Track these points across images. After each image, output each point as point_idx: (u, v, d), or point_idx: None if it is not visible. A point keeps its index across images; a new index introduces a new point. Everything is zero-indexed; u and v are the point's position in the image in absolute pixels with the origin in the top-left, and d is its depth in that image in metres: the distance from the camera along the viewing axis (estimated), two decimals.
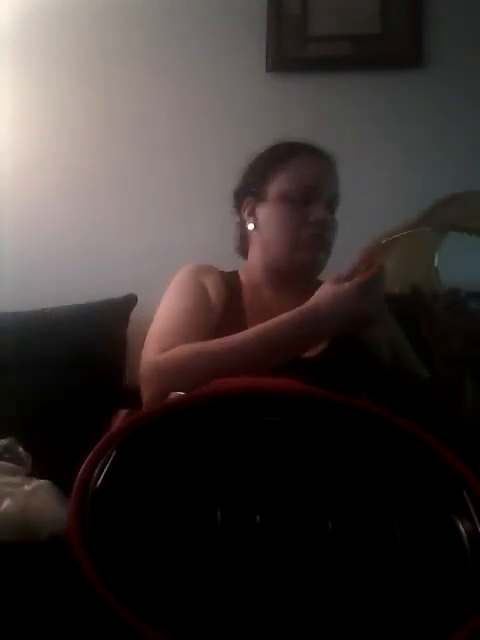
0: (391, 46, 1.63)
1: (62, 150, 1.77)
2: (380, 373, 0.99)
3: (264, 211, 1.10)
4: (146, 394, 0.93)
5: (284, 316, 0.90)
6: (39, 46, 1.81)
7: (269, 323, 0.90)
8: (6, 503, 0.62)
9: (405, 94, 1.62)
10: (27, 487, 0.66)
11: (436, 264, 0.91)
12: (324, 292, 0.90)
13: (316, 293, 0.91)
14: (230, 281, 1.13)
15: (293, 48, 1.66)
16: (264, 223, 1.10)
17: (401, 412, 0.63)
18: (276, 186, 1.08)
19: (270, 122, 1.62)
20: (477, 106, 1.59)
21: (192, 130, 1.71)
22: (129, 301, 1.51)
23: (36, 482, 0.67)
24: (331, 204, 1.09)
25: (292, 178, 1.07)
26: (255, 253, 1.15)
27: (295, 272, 1.09)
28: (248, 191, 1.14)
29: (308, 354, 0.98)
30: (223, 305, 1.07)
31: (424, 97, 1.62)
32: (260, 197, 1.11)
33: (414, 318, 0.94)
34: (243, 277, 1.16)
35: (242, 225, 1.18)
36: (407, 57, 1.63)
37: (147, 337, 1.02)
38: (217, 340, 0.92)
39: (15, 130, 1.80)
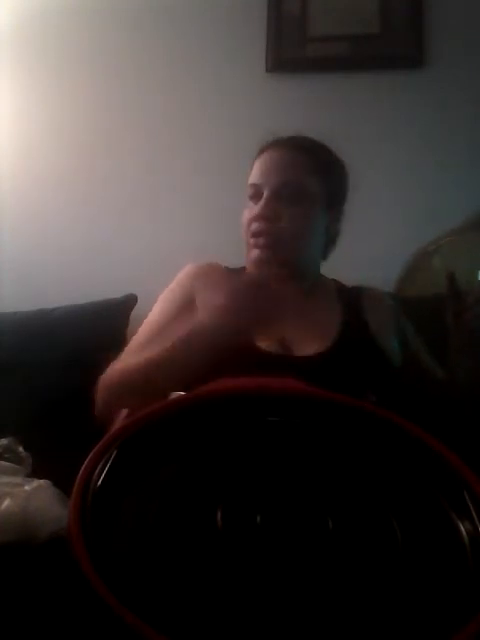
0: (391, 46, 1.63)
1: (62, 150, 1.78)
2: (387, 372, 0.99)
3: None
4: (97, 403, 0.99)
5: (183, 333, 0.91)
6: (39, 46, 1.81)
7: (174, 340, 0.92)
8: (6, 503, 0.62)
9: (405, 94, 1.63)
10: (27, 487, 0.65)
11: None
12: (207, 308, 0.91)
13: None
14: (232, 279, 1.13)
15: (293, 48, 1.66)
16: None
17: (406, 412, 0.63)
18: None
19: (270, 122, 1.61)
20: (477, 106, 1.59)
21: (192, 130, 1.71)
22: (129, 301, 1.51)
23: (36, 482, 0.67)
24: (283, 194, 1.03)
25: (251, 176, 1.08)
26: None
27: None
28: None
29: (309, 353, 0.98)
30: None
31: (424, 97, 1.62)
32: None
33: (430, 320, 0.94)
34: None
35: None
36: (407, 57, 1.63)
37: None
38: (140, 356, 0.96)
39: (15, 130, 1.80)
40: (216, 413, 0.60)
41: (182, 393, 0.67)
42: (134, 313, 1.51)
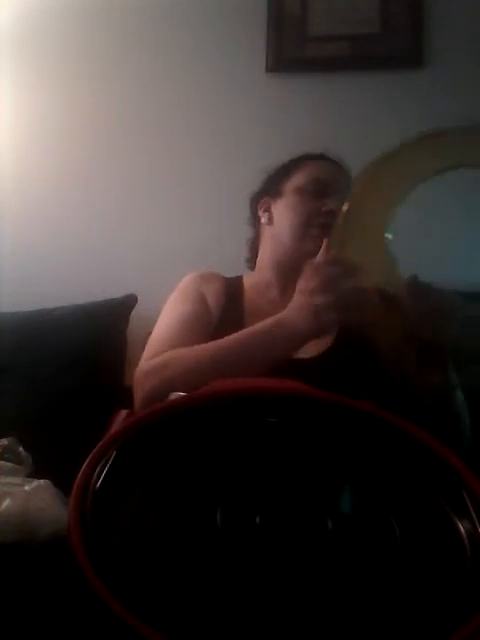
0: (391, 46, 1.63)
1: (62, 150, 1.78)
2: (383, 374, 0.99)
3: (278, 204, 1.13)
4: (136, 399, 0.94)
5: (261, 323, 0.88)
6: (39, 46, 1.81)
7: (247, 330, 0.89)
8: (6, 503, 0.62)
9: (405, 94, 1.63)
10: (27, 487, 0.66)
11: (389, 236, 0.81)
12: (295, 301, 0.86)
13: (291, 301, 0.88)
14: (231, 287, 1.14)
15: (293, 48, 1.66)
16: (277, 215, 1.13)
17: (403, 412, 0.63)
18: (292, 182, 1.11)
19: (270, 122, 1.63)
20: (477, 106, 1.59)
21: (192, 130, 1.71)
22: (129, 301, 1.52)
23: (36, 482, 0.67)
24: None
25: (307, 174, 1.10)
26: (265, 250, 1.16)
27: (301, 265, 1.08)
28: (265, 192, 1.17)
29: (308, 354, 0.98)
30: (221, 312, 1.08)
31: (424, 97, 1.62)
32: (276, 195, 1.13)
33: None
34: (248, 281, 1.16)
35: (255, 230, 1.20)
36: (407, 57, 1.63)
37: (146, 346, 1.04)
38: (199, 345, 0.92)
39: (15, 130, 1.80)
40: (215, 414, 0.60)
41: (182, 394, 0.67)
42: (134, 313, 1.51)
